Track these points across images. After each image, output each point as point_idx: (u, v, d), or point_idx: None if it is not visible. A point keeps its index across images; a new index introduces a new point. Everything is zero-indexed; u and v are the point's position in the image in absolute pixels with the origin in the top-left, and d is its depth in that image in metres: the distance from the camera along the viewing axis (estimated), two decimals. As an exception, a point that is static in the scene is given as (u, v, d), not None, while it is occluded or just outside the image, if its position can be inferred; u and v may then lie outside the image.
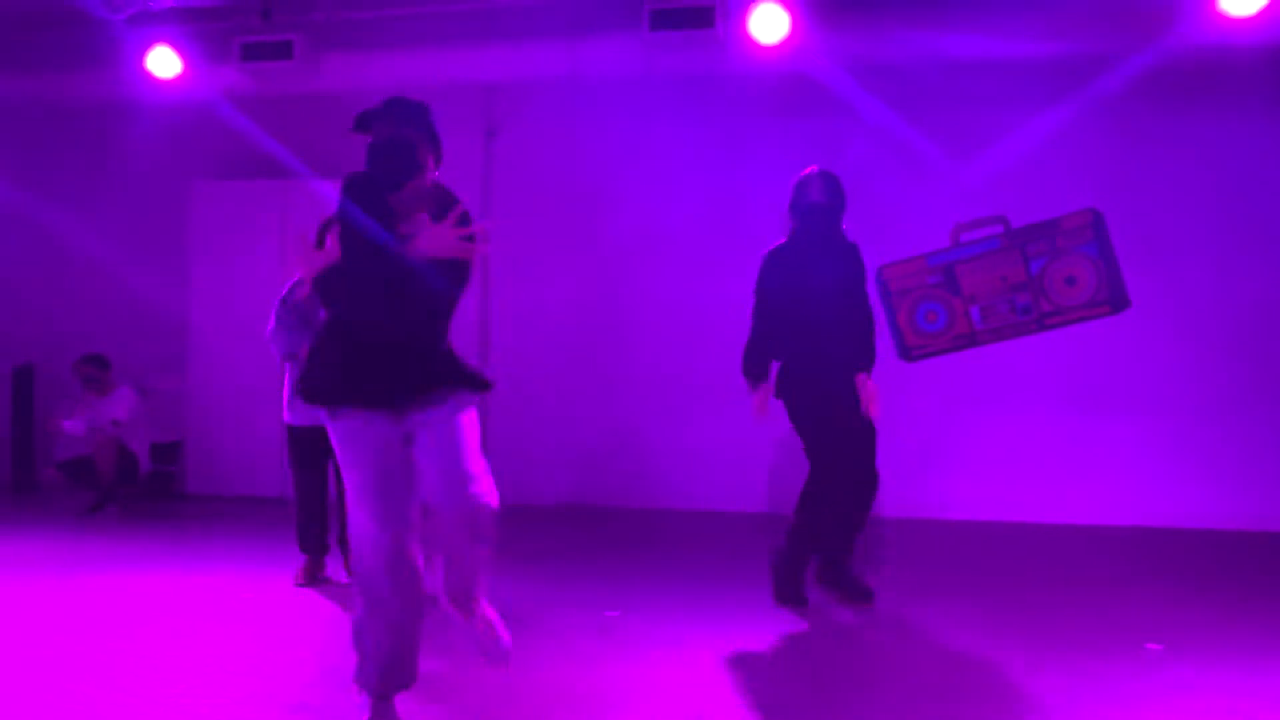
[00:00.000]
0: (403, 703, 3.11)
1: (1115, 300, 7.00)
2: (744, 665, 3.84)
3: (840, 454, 4.57)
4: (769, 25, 6.49)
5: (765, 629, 4.31)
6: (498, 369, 7.64)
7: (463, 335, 3.31)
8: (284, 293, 5.05)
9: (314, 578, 5.07)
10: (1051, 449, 6.99)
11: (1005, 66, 6.78)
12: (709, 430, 7.43)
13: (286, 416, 5.08)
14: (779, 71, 6.99)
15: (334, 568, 5.18)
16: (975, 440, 7.11)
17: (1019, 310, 7.13)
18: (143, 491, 7.58)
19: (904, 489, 7.10)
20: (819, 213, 4.67)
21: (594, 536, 6.61)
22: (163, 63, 7.11)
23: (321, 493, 5.10)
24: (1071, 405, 6.99)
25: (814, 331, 4.60)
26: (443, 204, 2.99)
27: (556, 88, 7.52)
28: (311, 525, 5.09)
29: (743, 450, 7.31)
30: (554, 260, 7.73)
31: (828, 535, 4.65)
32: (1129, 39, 6.35)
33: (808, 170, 4.79)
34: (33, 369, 8.37)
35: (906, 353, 7.25)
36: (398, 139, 2.91)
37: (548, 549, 6.04)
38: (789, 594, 4.63)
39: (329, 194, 7.27)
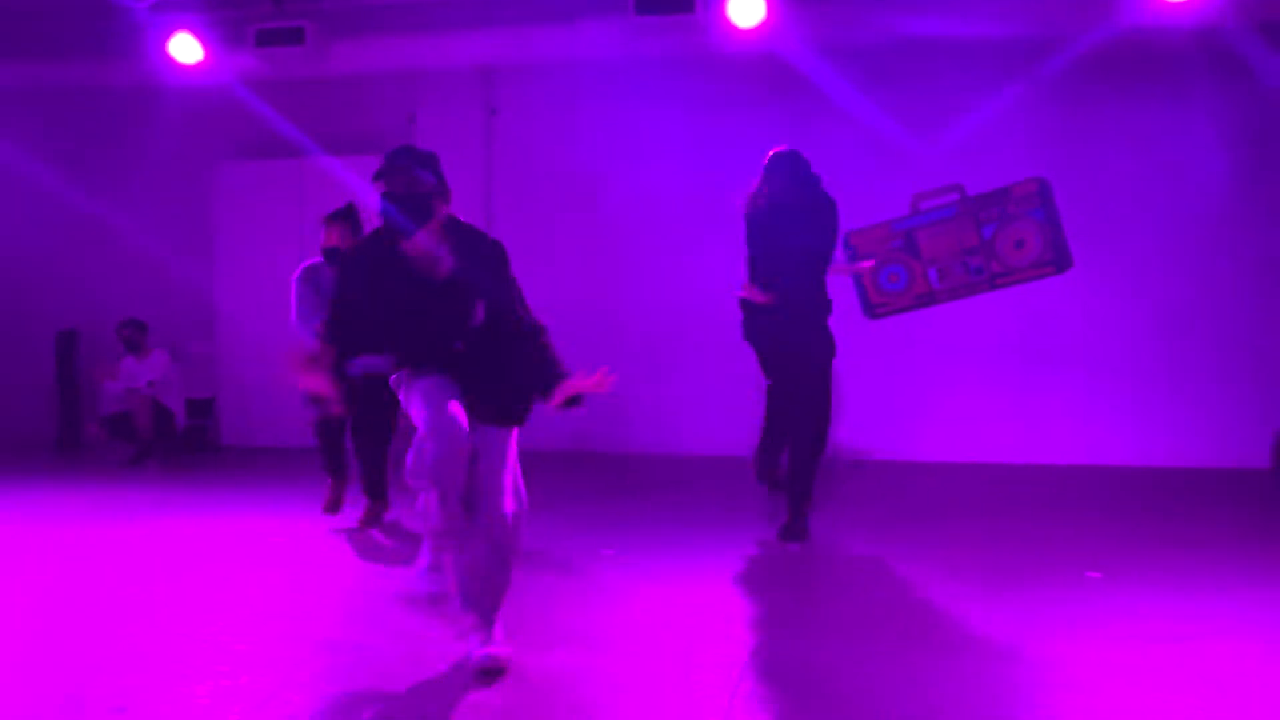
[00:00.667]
0: (404, 640, 3.09)
1: (1059, 261, 6.99)
2: (716, 594, 3.86)
3: (797, 395, 4.63)
4: (746, 9, 6.38)
5: (732, 560, 4.33)
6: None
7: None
8: (299, 272, 4.92)
9: (338, 502, 5.04)
10: (1005, 396, 7.00)
11: (963, 47, 6.70)
12: (692, 382, 7.41)
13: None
14: (756, 53, 6.89)
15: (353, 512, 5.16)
16: (936, 389, 7.10)
17: (972, 271, 7.11)
18: (180, 445, 7.54)
19: (870, 433, 7.13)
20: (786, 185, 4.59)
21: (590, 479, 6.60)
22: (184, 49, 6.97)
23: (340, 433, 5.05)
24: (1023, 357, 6.99)
25: (781, 285, 4.55)
26: (458, 236, 2.98)
27: (552, 69, 7.39)
28: (334, 454, 5.05)
29: (723, 401, 7.29)
30: (551, 228, 7.64)
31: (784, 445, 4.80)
32: (1076, 22, 6.28)
33: (774, 150, 4.70)
34: (75, 334, 8.29)
35: (871, 310, 7.24)
36: (415, 193, 2.89)
37: (548, 492, 6.03)
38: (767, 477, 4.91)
39: (339, 170, 7.30)
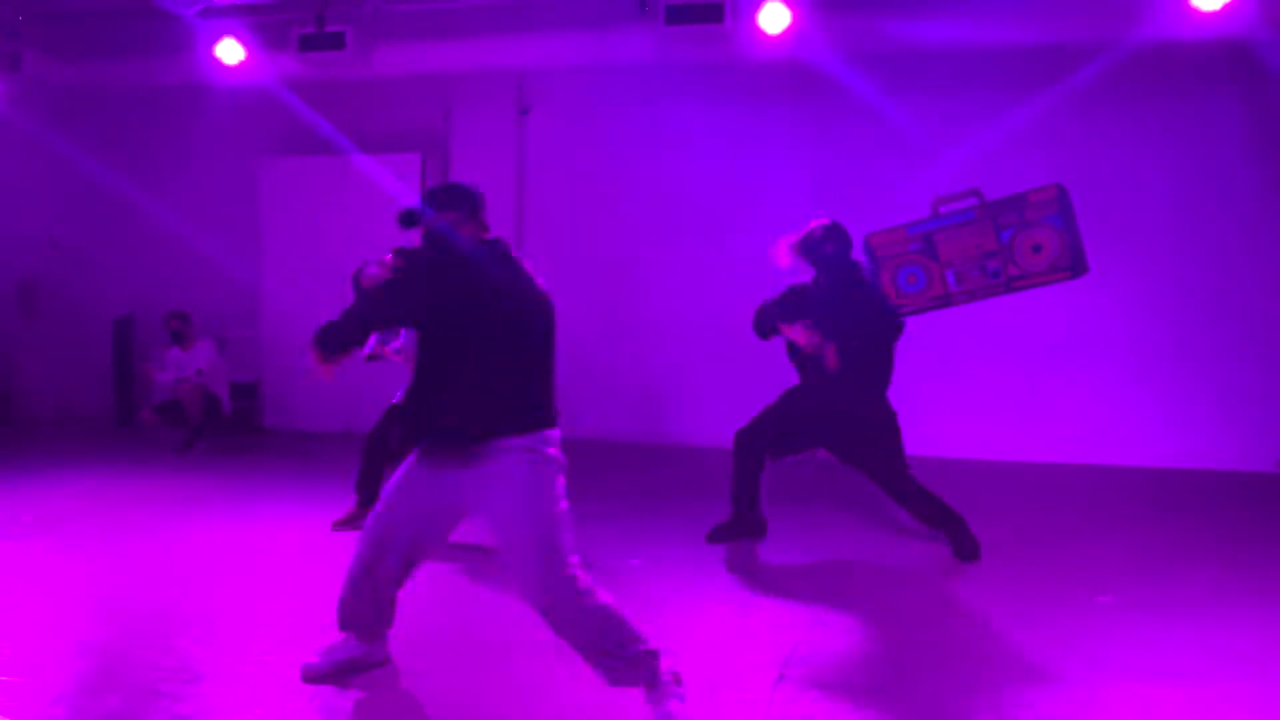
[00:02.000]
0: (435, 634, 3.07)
1: (1075, 267, 6.82)
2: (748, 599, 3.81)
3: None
4: (774, 17, 6.19)
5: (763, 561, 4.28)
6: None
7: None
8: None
9: (355, 524, 4.88)
10: (1018, 396, 6.87)
11: (984, 54, 6.49)
12: (719, 376, 7.33)
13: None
14: (782, 59, 6.70)
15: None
16: (950, 389, 6.98)
17: (989, 274, 6.96)
18: (227, 427, 7.55)
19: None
20: (832, 264, 4.42)
21: (623, 472, 6.55)
22: (230, 52, 6.88)
23: (384, 457, 4.87)
24: (1036, 359, 6.85)
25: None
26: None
27: (582, 74, 7.25)
28: (371, 478, 4.90)
29: (749, 393, 7.20)
30: (581, 224, 7.54)
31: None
32: (1101, 31, 6.05)
33: (816, 223, 4.44)
34: (131, 319, 8.33)
35: (889, 312, 7.10)
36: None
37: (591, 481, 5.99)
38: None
39: (374, 168, 7.24)
